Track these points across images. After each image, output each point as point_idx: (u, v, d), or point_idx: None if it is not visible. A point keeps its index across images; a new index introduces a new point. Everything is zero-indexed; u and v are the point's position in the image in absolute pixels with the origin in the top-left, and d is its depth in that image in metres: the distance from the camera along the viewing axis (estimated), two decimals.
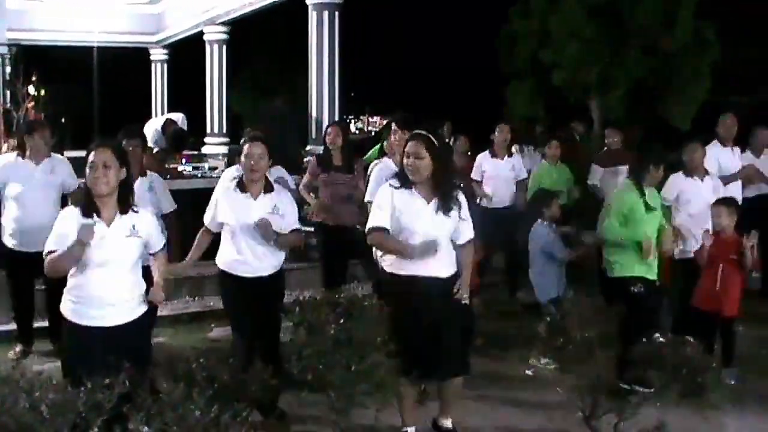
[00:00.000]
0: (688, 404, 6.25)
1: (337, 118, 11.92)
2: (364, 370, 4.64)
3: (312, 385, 4.75)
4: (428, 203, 5.39)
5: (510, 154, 10.08)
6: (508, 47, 19.15)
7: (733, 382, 6.85)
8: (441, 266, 5.46)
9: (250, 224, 5.85)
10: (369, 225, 5.52)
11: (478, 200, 9.45)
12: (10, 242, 7.51)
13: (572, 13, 17.17)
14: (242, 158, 5.96)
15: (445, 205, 5.38)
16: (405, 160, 5.39)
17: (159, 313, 8.05)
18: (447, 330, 5.46)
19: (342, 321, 4.65)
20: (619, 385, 6.00)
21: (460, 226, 5.52)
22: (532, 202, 8.53)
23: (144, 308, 5.04)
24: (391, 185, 5.47)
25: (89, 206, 4.75)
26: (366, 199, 6.97)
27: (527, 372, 7.18)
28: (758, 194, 9.53)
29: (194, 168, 10.88)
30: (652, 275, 6.96)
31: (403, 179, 5.43)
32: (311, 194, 8.49)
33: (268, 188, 6.00)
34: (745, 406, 6.61)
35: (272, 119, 23.03)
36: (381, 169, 7.04)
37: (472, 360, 7.52)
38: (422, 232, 5.35)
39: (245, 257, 5.95)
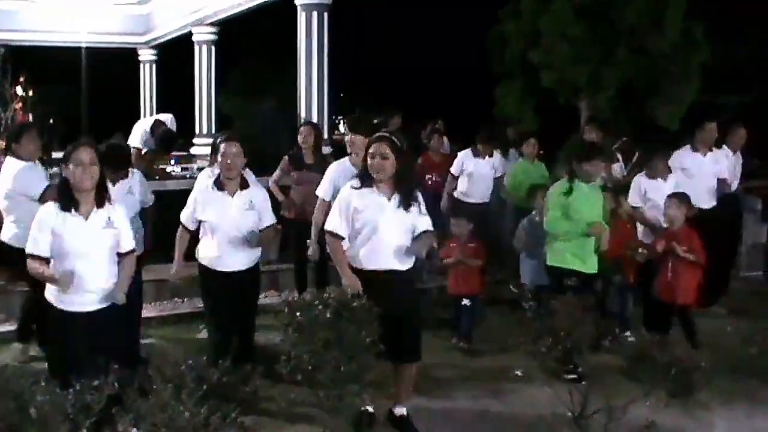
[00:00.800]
0: (678, 404, 6.30)
1: (326, 119, 11.92)
2: (353, 370, 4.64)
3: (304, 384, 4.77)
4: (389, 200, 5.63)
5: (491, 154, 10.27)
6: (498, 48, 19.15)
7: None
8: (395, 261, 5.67)
9: (227, 221, 6.13)
10: (328, 226, 5.79)
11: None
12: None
13: (562, 14, 17.17)
14: (218, 157, 6.17)
15: (406, 201, 5.65)
16: (370, 161, 5.60)
17: (148, 314, 8.07)
18: (405, 319, 5.63)
19: (331, 322, 4.65)
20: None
21: (419, 220, 5.73)
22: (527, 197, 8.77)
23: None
24: (352, 187, 5.71)
25: (69, 201, 5.06)
26: (318, 192, 7.34)
27: (517, 372, 7.17)
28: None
29: (183, 168, 10.88)
30: (589, 269, 7.20)
31: (365, 178, 5.66)
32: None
33: (244, 185, 6.24)
34: (733, 405, 6.62)
35: (261, 120, 23.08)
36: (337, 165, 7.33)
37: (462, 360, 7.60)
38: (384, 226, 5.60)
39: (224, 253, 6.17)
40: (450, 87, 26.11)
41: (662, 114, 16.99)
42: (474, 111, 13.19)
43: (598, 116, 15.55)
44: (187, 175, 10.69)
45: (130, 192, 7.23)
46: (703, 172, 9.20)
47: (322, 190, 7.30)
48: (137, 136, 10.97)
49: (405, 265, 5.73)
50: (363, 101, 26.62)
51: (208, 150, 14.55)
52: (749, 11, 20.52)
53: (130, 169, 7.34)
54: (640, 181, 8.45)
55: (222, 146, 6.15)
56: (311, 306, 4.73)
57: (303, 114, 12.08)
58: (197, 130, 17.20)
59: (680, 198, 7.71)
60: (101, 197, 5.16)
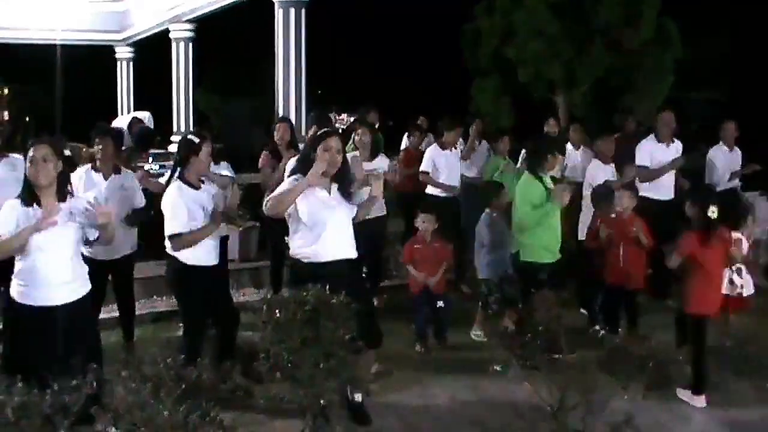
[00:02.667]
0: (655, 396, 6.35)
1: (303, 116, 11.90)
2: (332, 367, 4.65)
3: (283, 382, 4.78)
4: (330, 193, 5.85)
5: (456, 146, 10.37)
6: (473, 44, 19.20)
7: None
8: (347, 249, 5.92)
9: (203, 216, 6.18)
10: (267, 197, 6.01)
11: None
12: None
13: (536, 10, 17.26)
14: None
15: (346, 191, 5.91)
16: (325, 154, 5.69)
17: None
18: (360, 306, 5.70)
19: (309, 319, 4.66)
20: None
21: (355, 209, 6.01)
22: (483, 192, 8.77)
23: (87, 289, 5.48)
24: (295, 179, 5.78)
25: (30, 196, 5.23)
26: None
27: (495, 368, 7.20)
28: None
29: (161, 166, 10.81)
30: (557, 257, 7.55)
31: (307, 171, 5.68)
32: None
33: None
34: (710, 397, 6.69)
35: (239, 117, 23.03)
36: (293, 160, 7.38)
37: (439, 355, 7.62)
38: (331, 220, 5.79)
39: (203, 248, 6.21)
40: (426, 84, 26.13)
41: (637, 109, 17.09)
42: (449, 108, 13.18)
43: (573, 112, 15.65)
44: (165, 173, 10.63)
45: (123, 188, 7.31)
46: (666, 160, 9.33)
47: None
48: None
49: (351, 253, 5.94)
50: (340, 98, 26.64)
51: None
52: (721, 9, 20.67)
53: (122, 167, 7.45)
54: (592, 165, 9.22)
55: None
56: (289, 303, 4.73)
57: (280, 111, 12.05)
58: (175, 128, 17.12)
59: (629, 188, 8.22)
60: (62, 192, 5.30)
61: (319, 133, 5.93)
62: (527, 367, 6.67)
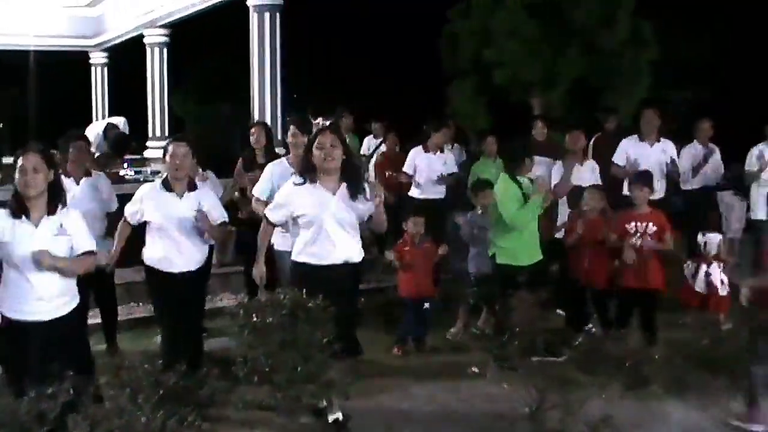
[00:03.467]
0: (633, 396, 6.38)
1: (279, 120, 11.89)
2: (309, 370, 4.65)
3: (261, 386, 4.77)
4: (334, 194, 5.64)
5: (442, 150, 10.30)
6: (450, 47, 19.25)
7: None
8: (348, 252, 5.74)
9: (174, 222, 6.12)
10: (267, 211, 5.91)
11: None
12: None
13: (513, 13, 17.33)
14: (167, 158, 6.18)
15: (353, 192, 5.66)
16: (318, 152, 5.59)
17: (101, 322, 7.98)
18: (340, 313, 5.56)
19: (286, 323, 4.66)
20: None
21: (366, 209, 5.77)
22: (471, 191, 8.80)
23: (75, 303, 5.21)
24: (294, 183, 5.73)
25: (19, 207, 4.96)
26: (252, 192, 7.32)
27: (473, 369, 7.23)
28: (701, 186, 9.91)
29: (136, 172, 10.78)
30: (535, 259, 7.58)
31: (306, 174, 5.67)
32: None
33: (192, 186, 6.27)
34: (687, 395, 6.72)
35: (215, 122, 22.96)
36: (274, 165, 7.27)
37: (418, 358, 7.62)
38: (330, 221, 5.62)
39: (171, 254, 6.18)
40: (403, 86, 26.15)
41: (603, 110, 17.19)
42: (427, 110, 13.22)
43: (551, 113, 15.69)
44: (141, 179, 10.61)
45: (97, 190, 7.36)
46: (648, 162, 9.33)
47: (258, 189, 7.19)
48: (90, 140, 10.90)
49: (353, 257, 5.78)
50: (316, 102, 26.61)
51: (161, 153, 14.54)
52: (702, 9, 20.82)
53: (93, 170, 7.46)
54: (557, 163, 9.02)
55: (170, 147, 6.17)
56: (266, 307, 4.72)
57: (256, 115, 12.03)
58: (150, 133, 17.05)
59: (597, 189, 8.19)
60: (52, 204, 5.04)
61: (314, 132, 5.85)
62: (505, 368, 6.73)
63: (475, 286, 8.08)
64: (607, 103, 16.78)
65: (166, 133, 16.62)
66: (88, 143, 7.78)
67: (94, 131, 11.72)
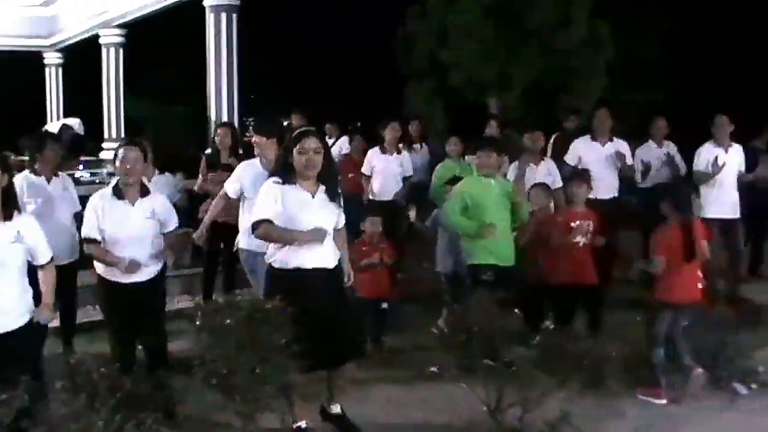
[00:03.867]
0: (590, 394, 6.44)
1: (236, 120, 11.84)
2: (268, 373, 4.64)
3: (218, 389, 4.75)
4: (313, 197, 5.57)
5: (399, 151, 10.36)
6: (406, 47, 19.27)
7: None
8: (327, 257, 5.64)
9: (128, 231, 5.88)
10: (254, 218, 5.62)
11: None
12: None
13: (470, 13, 17.38)
14: (117, 163, 5.93)
15: (331, 197, 5.62)
16: (300, 156, 5.47)
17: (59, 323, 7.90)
18: (338, 318, 5.60)
19: (244, 324, 4.64)
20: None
21: (340, 214, 5.78)
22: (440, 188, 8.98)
23: (30, 316, 4.99)
24: (275, 182, 5.58)
25: None
26: (225, 187, 7.23)
27: (432, 369, 7.25)
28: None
29: (92, 174, 10.66)
30: (505, 262, 7.43)
31: (287, 175, 5.55)
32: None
33: (145, 192, 6.02)
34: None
35: (171, 123, 22.82)
36: (247, 165, 7.22)
37: (378, 359, 7.61)
38: (310, 225, 5.48)
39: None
40: (360, 87, 26.15)
41: (564, 110, 17.35)
42: (384, 110, 13.22)
43: (507, 114, 15.78)
44: (96, 180, 10.49)
45: (66, 190, 7.36)
46: (600, 161, 9.45)
47: (231, 188, 7.14)
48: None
49: (331, 262, 5.68)
50: (273, 102, 26.55)
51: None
52: (655, 11, 21.02)
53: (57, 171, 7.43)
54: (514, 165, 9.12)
55: (120, 151, 5.94)
56: (223, 309, 4.70)
57: (213, 117, 11.98)
58: (106, 135, 16.89)
59: (542, 187, 8.38)
60: (8, 209, 4.85)
61: (296, 132, 5.68)
62: (464, 368, 6.74)
63: (447, 286, 8.14)
64: (563, 103, 16.93)
65: (122, 135, 16.49)
66: (56, 143, 7.73)
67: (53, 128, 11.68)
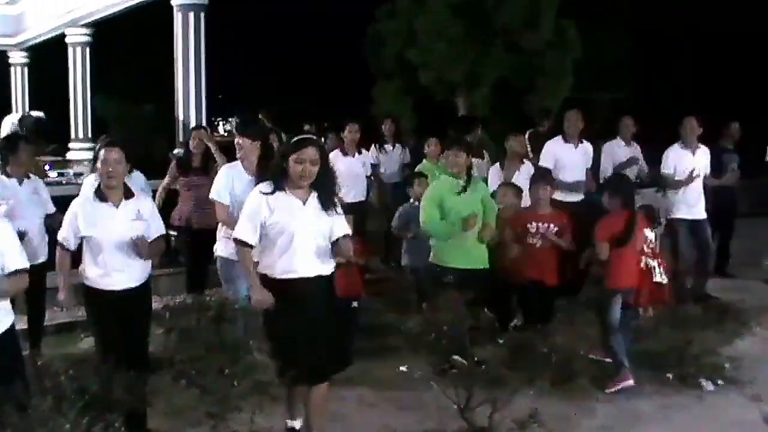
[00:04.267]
0: (560, 391, 6.48)
1: (204, 121, 11.80)
2: (238, 372, 4.62)
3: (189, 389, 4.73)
4: (304, 203, 5.37)
5: (360, 152, 10.42)
6: (375, 47, 19.27)
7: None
8: (317, 266, 5.43)
9: (113, 234, 5.61)
10: (236, 234, 5.50)
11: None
12: None
13: (438, 13, 17.40)
14: (98, 165, 5.70)
15: (325, 204, 5.41)
16: (297, 165, 5.28)
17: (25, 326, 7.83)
18: (324, 331, 5.43)
19: (213, 325, 4.63)
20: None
21: (336, 223, 5.49)
22: (405, 184, 9.08)
23: (9, 322, 4.80)
24: (262, 192, 5.40)
25: None
26: (210, 195, 6.88)
27: (401, 368, 7.26)
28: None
29: (59, 174, 10.56)
30: (472, 264, 7.36)
31: (277, 183, 5.37)
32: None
33: (129, 194, 5.77)
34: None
35: (139, 123, 22.67)
36: (229, 168, 6.93)
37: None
38: (301, 231, 5.33)
39: (110, 270, 5.66)
40: (329, 87, 26.13)
41: (538, 110, 17.42)
42: (352, 110, 13.21)
43: (475, 113, 15.82)
44: (63, 181, 10.40)
45: (36, 193, 7.32)
46: (574, 163, 9.50)
47: (217, 192, 6.79)
48: (5, 129, 10.84)
49: (324, 270, 5.48)
50: (241, 102, 26.45)
51: (84, 155, 14.35)
52: (621, 10, 21.17)
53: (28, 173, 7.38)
54: (492, 169, 9.28)
55: (101, 152, 5.66)
56: (192, 310, 4.68)
57: (180, 117, 11.92)
58: (73, 135, 16.77)
59: (511, 187, 8.42)
60: None
61: (294, 140, 5.43)
62: (434, 367, 6.76)
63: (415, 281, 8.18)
64: (532, 103, 17.01)
65: (89, 135, 16.40)
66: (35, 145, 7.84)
67: (9, 121, 11.60)
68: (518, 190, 8.37)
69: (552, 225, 7.86)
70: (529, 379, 6.07)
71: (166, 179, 9.07)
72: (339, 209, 5.54)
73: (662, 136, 9.97)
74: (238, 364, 4.63)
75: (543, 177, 8.24)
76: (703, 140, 9.74)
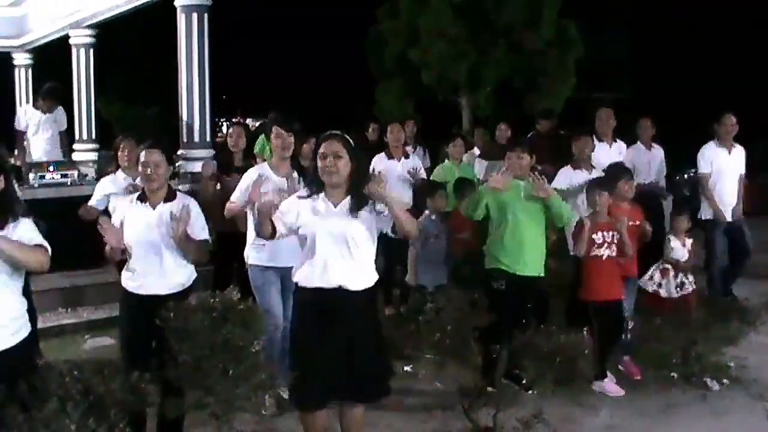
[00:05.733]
0: (564, 391, 6.47)
1: (208, 121, 11.78)
2: (242, 374, 4.62)
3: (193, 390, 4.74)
4: (336, 207, 5.04)
5: (407, 155, 9.74)
6: (377, 47, 19.27)
7: None
8: (353, 277, 5.05)
9: (143, 236, 5.41)
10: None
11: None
12: None
13: (440, 13, 17.41)
14: (139, 167, 5.54)
15: (358, 206, 5.01)
16: (320, 162, 4.98)
17: None
18: (359, 349, 5.03)
19: (218, 325, 4.62)
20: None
21: (376, 222, 5.12)
22: (422, 195, 8.62)
23: (27, 331, 4.54)
24: (299, 197, 5.17)
25: None
26: (231, 200, 6.66)
27: (406, 368, 7.26)
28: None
29: (63, 176, 10.53)
30: (529, 271, 6.93)
31: (313, 186, 5.12)
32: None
33: (170, 197, 5.53)
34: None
35: (143, 124, 22.70)
36: (255, 170, 6.65)
37: None
38: (324, 237, 5.00)
39: (141, 274, 5.46)
40: (331, 87, 26.15)
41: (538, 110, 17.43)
42: (355, 111, 13.22)
43: (478, 113, 15.84)
44: (68, 183, 10.38)
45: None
46: (608, 161, 9.37)
47: (237, 197, 6.54)
48: (20, 119, 11.13)
49: (357, 283, 5.05)
50: (244, 103, 26.48)
51: (89, 156, 14.36)
52: (621, 10, 21.18)
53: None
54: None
55: (142, 155, 5.47)
56: (196, 310, 4.68)
57: (184, 117, 11.90)
58: (77, 136, 16.76)
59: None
60: (4, 215, 4.31)
61: (319, 138, 5.11)
62: (439, 366, 6.76)
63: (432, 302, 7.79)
64: (533, 102, 17.01)
65: (93, 136, 16.38)
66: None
67: (22, 112, 11.90)
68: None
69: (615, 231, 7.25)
70: (532, 379, 6.06)
71: (207, 183, 8.33)
72: (380, 207, 5.07)
73: (665, 134, 9.92)
74: (242, 365, 4.63)
75: (600, 184, 7.48)
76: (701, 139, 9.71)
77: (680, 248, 7.98)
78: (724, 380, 7.03)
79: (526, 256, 6.88)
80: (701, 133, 9.75)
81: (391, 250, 8.39)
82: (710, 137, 9.64)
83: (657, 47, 22.88)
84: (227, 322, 4.62)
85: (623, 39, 21.58)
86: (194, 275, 5.64)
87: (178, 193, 5.69)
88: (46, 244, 4.40)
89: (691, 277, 7.99)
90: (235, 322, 4.64)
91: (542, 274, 7.02)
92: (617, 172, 7.72)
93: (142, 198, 5.52)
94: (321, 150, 5.00)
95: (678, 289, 7.85)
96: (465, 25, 17.36)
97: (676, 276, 7.85)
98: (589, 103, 14.69)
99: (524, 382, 6.30)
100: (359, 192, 5.01)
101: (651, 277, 7.91)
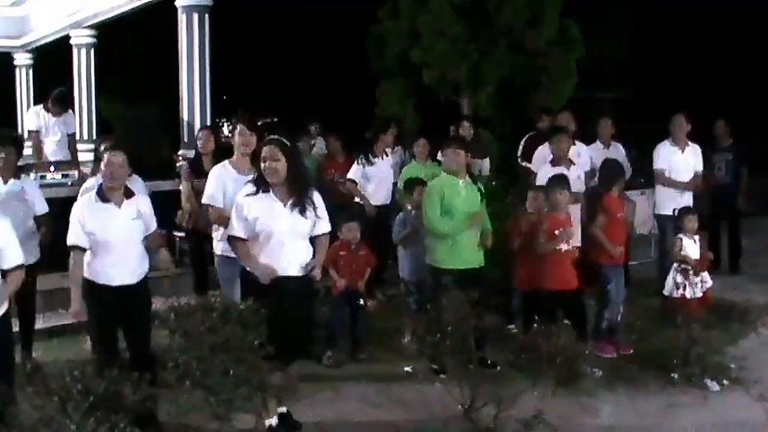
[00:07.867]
0: (564, 391, 6.48)
1: (208, 122, 11.78)
2: (242, 373, 4.63)
3: (194, 390, 4.73)
4: (285, 205, 5.70)
5: (387, 154, 10.28)
6: (378, 47, 19.24)
7: None
8: (295, 266, 5.74)
9: (115, 233, 5.87)
10: (229, 231, 5.89)
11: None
12: None
13: (441, 13, 17.36)
14: (102, 167, 5.96)
15: (301, 204, 5.72)
16: (262, 164, 5.68)
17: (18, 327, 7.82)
18: (297, 323, 5.76)
19: (217, 326, 4.62)
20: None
21: (317, 223, 5.85)
22: (403, 190, 8.84)
23: (2, 311, 4.89)
24: (246, 194, 5.75)
25: None
26: (203, 201, 6.89)
27: (406, 369, 7.26)
28: None
29: (63, 175, 10.53)
30: (470, 264, 7.33)
31: (259, 184, 5.73)
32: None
33: (129, 194, 6.03)
34: (617, 389, 6.87)
35: (143, 124, 22.69)
36: (218, 169, 6.86)
37: (351, 360, 7.63)
38: (279, 231, 5.68)
39: (110, 266, 5.89)
40: (332, 87, 26.11)
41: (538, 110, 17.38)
42: (356, 111, 13.21)
43: (479, 113, 15.83)
44: (69, 182, 10.37)
45: (23, 191, 7.26)
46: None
47: (209, 197, 6.75)
48: (32, 120, 11.12)
49: (301, 270, 5.77)
50: (245, 103, 26.43)
51: (89, 156, 14.40)
52: (623, 9, 21.20)
53: (21, 173, 7.39)
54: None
55: (106, 156, 5.91)
56: (197, 311, 4.68)
57: (185, 118, 11.90)
58: (77, 136, 16.76)
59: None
60: None
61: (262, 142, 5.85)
62: (438, 367, 6.76)
63: (414, 293, 7.97)
64: (534, 102, 16.98)
65: (94, 136, 16.38)
66: (21, 146, 7.79)
67: (33, 111, 11.97)
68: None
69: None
70: (533, 380, 6.07)
71: (184, 184, 8.96)
72: (320, 212, 5.87)
73: (665, 135, 9.95)
74: (242, 365, 4.63)
75: (559, 181, 7.94)
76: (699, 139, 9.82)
77: (692, 246, 8.33)
78: (725, 381, 7.02)
79: (467, 250, 7.34)
80: (701, 133, 9.79)
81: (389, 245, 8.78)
82: (710, 137, 9.83)
83: (659, 47, 22.87)
84: (227, 322, 4.63)
85: (625, 39, 21.57)
86: (148, 263, 6.16)
87: (136, 189, 6.27)
88: (21, 257, 5.09)
89: (706, 273, 8.24)
90: (235, 322, 4.65)
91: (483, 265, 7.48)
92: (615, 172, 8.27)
93: (103, 197, 5.90)
94: (262, 154, 5.71)
95: (700, 286, 8.15)
96: (466, 25, 17.31)
97: (696, 275, 8.16)
98: (589, 102, 14.68)
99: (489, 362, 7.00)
100: (300, 193, 5.73)
101: (674, 283, 8.22)
